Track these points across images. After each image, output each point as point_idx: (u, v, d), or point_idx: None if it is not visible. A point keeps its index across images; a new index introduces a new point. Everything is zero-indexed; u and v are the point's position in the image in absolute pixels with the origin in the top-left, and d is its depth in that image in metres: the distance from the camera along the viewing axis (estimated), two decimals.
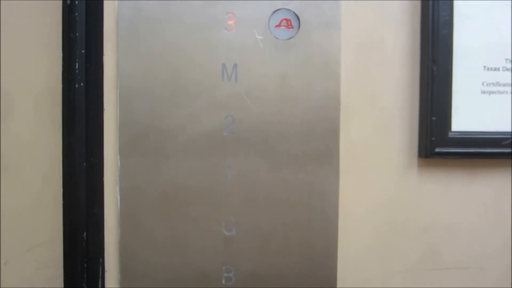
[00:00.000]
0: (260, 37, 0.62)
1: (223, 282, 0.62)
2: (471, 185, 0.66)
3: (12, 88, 0.61)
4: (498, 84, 0.65)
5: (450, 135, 0.64)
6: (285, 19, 0.62)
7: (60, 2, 0.60)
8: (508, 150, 0.64)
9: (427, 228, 0.66)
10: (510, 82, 0.65)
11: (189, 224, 0.62)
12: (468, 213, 0.66)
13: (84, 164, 0.60)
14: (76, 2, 0.59)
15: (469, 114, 0.64)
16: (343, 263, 0.64)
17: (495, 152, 0.64)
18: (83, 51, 0.60)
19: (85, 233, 0.61)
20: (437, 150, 0.63)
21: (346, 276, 0.65)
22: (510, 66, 0.65)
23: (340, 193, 0.63)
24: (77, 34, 0.60)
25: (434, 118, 0.63)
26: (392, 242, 0.66)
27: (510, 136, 0.64)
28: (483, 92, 0.65)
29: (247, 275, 0.63)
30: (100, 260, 0.62)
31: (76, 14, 0.59)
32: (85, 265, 0.61)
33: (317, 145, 0.62)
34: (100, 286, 0.62)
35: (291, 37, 0.62)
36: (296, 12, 0.62)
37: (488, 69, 0.65)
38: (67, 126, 0.60)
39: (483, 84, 0.65)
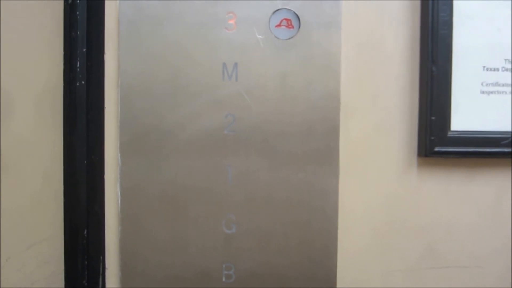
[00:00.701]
0: (260, 36, 0.62)
1: (223, 279, 0.63)
2: (470, 184, 0.66)
3: (13, 87, 0.61)
4: (497, 84, 0.65)
5: (450, 134, 0.64)
6: (285, 19, 0.62)
7: (62, 2, 0.61)
8: (508, 150, 0.64)
9: (427, 227, 0.66)
10: (509, 82, 0.65)
11: (189, 222, 0.62)
12: (468, 212, 0.66)
13: (85, 162, 0.60)
14: (78, 1, 0.60)
15: (468, 114, 0.64)
16: (342, 262, 0.64)
17: (494, 152, 0.64)
18: (84, 50, 0.60)
19: (85, 230, 0.61)
20: (436, 149, 0.64)
21: (346, 275, 0.65)
22: (509, 67, 0.65)
23: (339, 192, 0.63)
24: (78, 33, 0.60)
25: (433, 118, 0.63)
26: (391, 241, 0.66)
27: (509, 136, 0.64)
28: (483, 92, 0.65)
29: (247, 273, 0.63)
30: (101, 257, 0.62)
31: (78, 13, 0.60)
32: (86, 262, 0.61)
33: (317, 145, 0.62)
34: (100, 283, 0.62)
35: (292, 37, 0.62)
36: (296, 12, 0.62)
37: (487, 69, 0.65)
38: (68, 125, 0.61)
39: (482, 84, 0.65)
